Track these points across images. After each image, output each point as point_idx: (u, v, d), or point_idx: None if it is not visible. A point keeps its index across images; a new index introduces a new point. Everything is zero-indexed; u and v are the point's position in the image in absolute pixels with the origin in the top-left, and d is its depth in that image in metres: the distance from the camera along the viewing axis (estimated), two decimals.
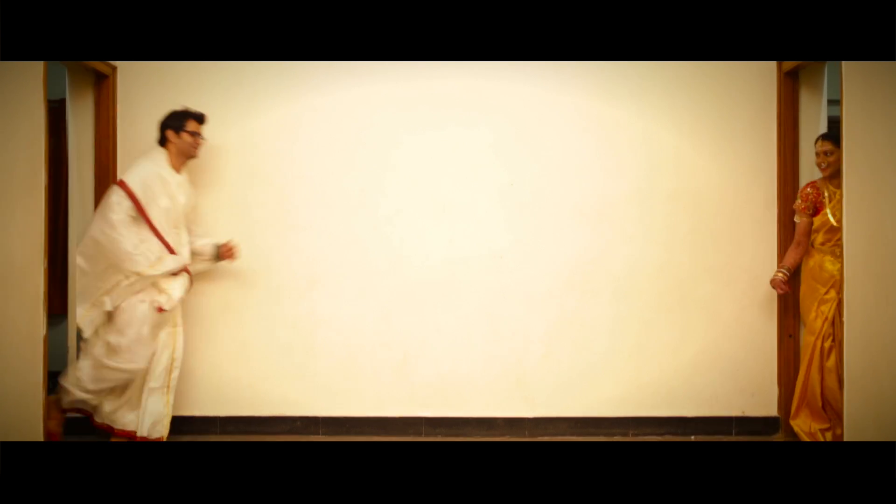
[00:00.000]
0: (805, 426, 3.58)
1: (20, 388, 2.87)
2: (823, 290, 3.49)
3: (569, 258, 3.85)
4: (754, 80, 3.84)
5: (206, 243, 3.69)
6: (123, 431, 3.48)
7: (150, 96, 3.84)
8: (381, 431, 3.83)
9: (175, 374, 3.53)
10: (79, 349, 3.57)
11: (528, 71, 3.83)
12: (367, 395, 3.85)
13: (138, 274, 3.36)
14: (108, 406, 3.51)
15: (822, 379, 3.48)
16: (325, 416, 3.84)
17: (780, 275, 3.63)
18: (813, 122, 3.79)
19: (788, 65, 3.73)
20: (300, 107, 3.85)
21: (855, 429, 2.82)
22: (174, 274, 3.48)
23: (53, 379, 4.07)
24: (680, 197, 3.85)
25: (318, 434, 3.82)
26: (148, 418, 3.45)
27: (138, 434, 3.45)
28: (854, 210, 2.83)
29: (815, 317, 3.52)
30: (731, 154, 3.85)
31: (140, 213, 3.37)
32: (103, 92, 3.79)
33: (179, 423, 3.80)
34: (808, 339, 3.54)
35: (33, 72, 2.92)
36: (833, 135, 3.47)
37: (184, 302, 3.65)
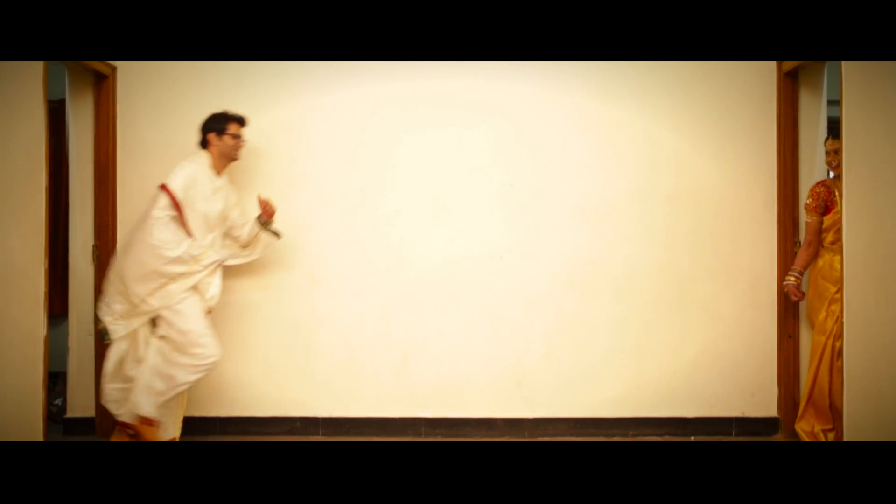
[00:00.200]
0: (807, 426, 3.57)
1: (20, 388, 2.86)
2: (834, 289, 3.48)
3: (569, 258, 3.85)
4: (754, 80, 3.84)
5: (247, 222, 3.66)
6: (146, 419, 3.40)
7: (149, 96, 3.84)
8: (380, 432, 3.83)
9: None
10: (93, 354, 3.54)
11: (528, 71, 3.84)
12: (367, 396, 3.85)
13: (182, 265, 3.34)
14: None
15: (831, 380, 3.47)
16: (325, 417, 3.84)
17: (793, 279, 3.60)
18: (813, 123, 3.80)
19: (788, 65, 3.73)
20: (300, 107, 3.85)
21: (855, 429, 2.82)
22: (211, 272, 3.47)
23: (53, 379, 4.09)
24: (680, 197, 3.85)
25: (318, 434, 3.82)
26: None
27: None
28: (854, 210, 2.83)
29: (825, 317, 3.50)
30: (730, 154, 3.85)
31: (179, 215, 3.35)
32: (103, 92, 3.79)
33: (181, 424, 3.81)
34: (819, 339, 3.52)
35: (33, 72, 2.92)
36: None
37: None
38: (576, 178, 3.86)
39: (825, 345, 3.48)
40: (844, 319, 2.89)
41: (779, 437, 3.83)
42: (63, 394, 4.02)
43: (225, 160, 3.56)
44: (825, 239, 3.55)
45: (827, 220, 3.53)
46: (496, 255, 3.86)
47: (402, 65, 3.84)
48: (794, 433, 3.66)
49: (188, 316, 3.34)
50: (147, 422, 3.35)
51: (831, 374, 3.46)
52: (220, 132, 3.51)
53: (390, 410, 3.85)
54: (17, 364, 2.84)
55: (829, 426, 3.51)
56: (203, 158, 3.51)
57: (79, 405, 3.83)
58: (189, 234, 3.38)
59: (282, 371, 3.84)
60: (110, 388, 3.42)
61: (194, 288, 3.39)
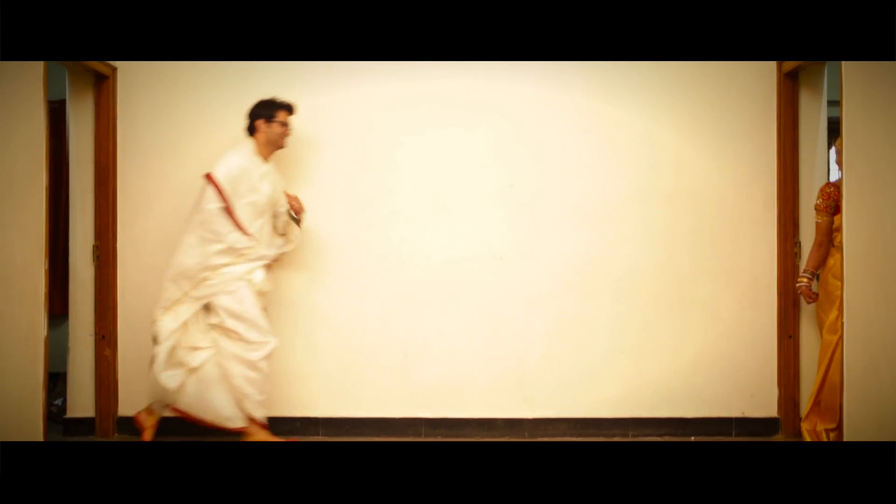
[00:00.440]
0: (810, 425, 3.57)
1: (21, 388, 2.87)
2: None
3: (569, 258, 3.85)
4: (754, 80, 3.84)
5: (281, 212, 3.68)
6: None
7: (149, 97, 3.84)
8: (380, 432, 3.83)
9: None
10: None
11: (528, 71, 3.84)
12: (367, 396, 3.85)
13: (228, 258, 3.37)
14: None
15: (843, 378, 3.45)
16: (325, 417, 3.84)
17: (805, 280, 3.59)
18: (813, 123, 3.80)
19: (788, 65, 3.73)
20: (300, 107, 3.83)
21: (855, 429, 2.82)
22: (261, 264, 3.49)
23: (53, 379, 4.09)
24: (680, 197, 3.85)
25: (318, 434, 3.82)
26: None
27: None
28: (854, 210, 2.83)
29: (837, 315, 3.49)
30: (730, 154, 3.85)
31: (226, 206, 3.36)
32: (103, 93, 3.79)
33: (179, 424, 3.80)
34: (829, 338, 3.50)
35: (33, 72, 2.92)
36: None
37: None
38: (576, 178, 3.85)
39: (837, 344, 3.47)
40: (844, 319, 2.89)
41: (779, 438, 3.82)
42: (63, 394, 4.02)
43: (271, 147, 3.56)
44: (835, 238, 3.54)
45: (837, 220, 3.52)
46: (496, 255, 3.86)
47: (402, 65, 3.84)
48: (798, 432, 3.65)
49: (241, 301, 3.38)
50: (257, 423, 3.43)
51: (843, 372, 3.45)
52: (269, 119, 3.51)
53: (390, 410, 3.85)
54: (17, 364, 2.84)
55: (833, 425, 3.50)
56: (248, 146, 3.51)
57: (79, 405, 3.83)
58: (237, 224, 3.39)
59: (282, 371, 3.83)
60: (167, 375, 3.38)
61: (243, 277, 3.41)
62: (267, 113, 3.51)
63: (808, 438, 3.56)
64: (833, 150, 3.72)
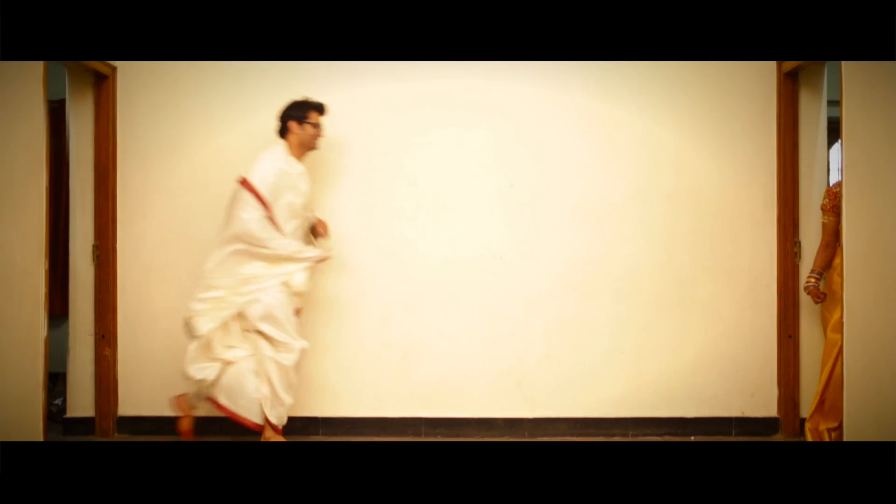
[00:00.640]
0: (813, 424, 3.57)
1: (21, 388, 2.87)
2: None
3: (568, 258, 3.85)
4: (754, 80, 3.84)
5: (308, 217, 3.66)
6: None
7: (149, 97, 3.84)
8: (380, 432, 3.83)
9: None
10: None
11: (528, 71, 3.84)
12: (367, 396, 3.85)
13: (283, 258, 3.35)
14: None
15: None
16: (324, 417, 3.84)
17: (813, 280, 3.59)
18: (812, 124, 3.80)
19: (788, 65, 3.73)
20: None
21: (855, 429, 2.82)
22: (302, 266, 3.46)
23: (53, 379, 4.09)
24: (680, 197, 3.85)
25: (318, 434, 3.82)
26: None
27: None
28: (854, 210, 2.83)
29: (841, 315, 3.48)
30: (730, 154, 3.85)
31: (266, 210, 3.32)
32: (103, 93, 3.79)
33: (177, 425, 3.81)
34: (833, 337, 3.48)
35: (33, 72, 2.92)
36: None
37: (186, 302, 3.64)
38: (576, 178, 3.86)
39: (842, 342, 3.46)
40: (844, 319, 2.89)
41: (779, 438, 3.82)
42: (63, 394, 4.02)
43: (304, 149, 3.51)
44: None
45: None
46: (496, 255, 3.86)
47: (402, 65, 3.84)
48: (798, 432, 3.65)
49: (273, 303, 3.34)
50: (276, 429, 3.41)
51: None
52: (301, 120, 3.46)
53: (390, 410, 3.85)
54: (17, 364, 2.84)
55: (834, 424, 3.50)
56: (281, 148, 3.46)
57: (78, 405, 3.83)
58: (276, 227, 3.36)
59: None
60: (197, 367, 3.36)
61: (282, 278, 3.39)
62: (299, 114, 3.46)
63: (809, 438, 3.56)
64: (832, 151, 3.71)
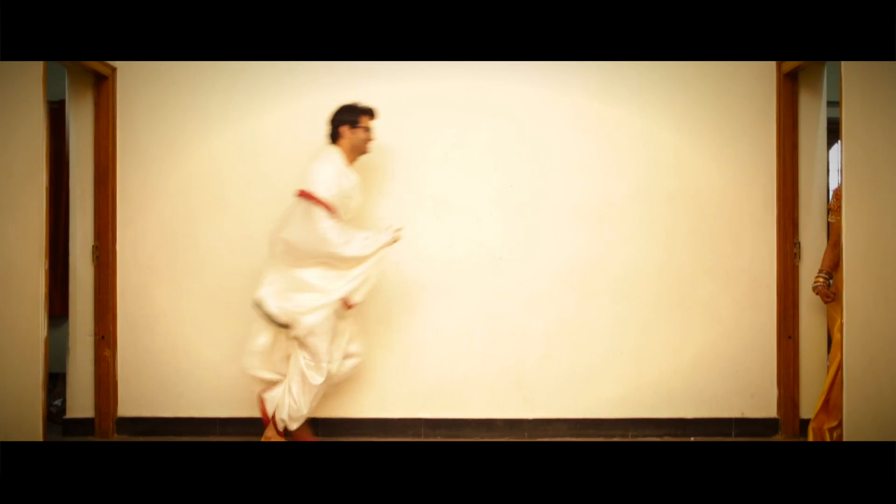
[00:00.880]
0: (817, 424, 3.56)
1: (21, 388, 2.87)
2: None
3: (568, 259, 3.85)
4: (754, 80, 3.84)
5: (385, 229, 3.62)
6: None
7: (149, 98, 3.84)
8: (380, 432, 3.83)
9: None
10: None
11: (528, 71, 3.84)
12: (367, 396, 3.85)
13: (356, 262, 3.34)
14: None
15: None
16: (324, 417, 3.83)
17: (822, 279, 3.58)
18: (812, 124, 3.80)
19: (788, 66, 3.73)
20: (300, 107, 3.85)
21: (855, 429, 2.82)
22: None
23: (53, 380, 4.09)
24: (679, 197, 3.85)
25: (319, 435, 3.82)
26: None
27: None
28: (854, 210, 2.83)
29: None
30: (730, 155, 3.85)
31: (336, 218, 3.31)
32: (103, 94, 3.79)
33: (179, 425, 3.81)
34: (840, 337, 3.49)
35: (33, 72, 2.92)
36: None
37: (186, 303, 3.66)
38: (575, 178, 3.86)
39: None
40: (844, 319, 2.89)
41: (778, 438, 3.82)
42: (63, 395, 4.01)
43: (356, 154, 3.48)
44: None
45: None
46: (496, 255, 3.86)
47: (402, 65, 3.84)
48: (797, 433, 3.64)
49: (321, 322, 3.32)
50: (280, 432, 3.43)
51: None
52: (353, 125, 3.43)
53: (390, 411, 3.85)
54: (17, 365, 2.84)
55: (835, 423, 3.50)
56: (336, 154, 3.41)
57: (78, 406, 3.83)
58: (349, 235, 3.35)
59: None
60: (263, 374, 3.41)
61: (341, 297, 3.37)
62: (351, 118, 3.43)
63: (812, 437, 3.55)
64: (832, 152, 3.71)
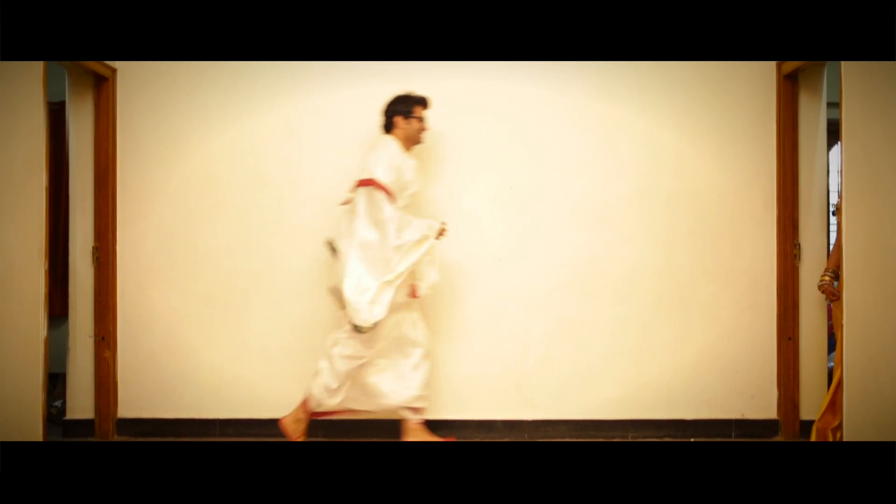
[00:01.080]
0: (823, 424, 3.55)
1: (20, 389, 2.86)
2: None
3: (568, 259, 3.85)
4: (754, 81, 3.84)
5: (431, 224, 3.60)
6: None
7: (149, 98, 3.84)
8: (380, 433, 3.82)
9: None
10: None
11: (527, 71, 3.84)
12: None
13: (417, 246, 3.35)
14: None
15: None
16: (324, 418, 3.82)
17: (827, 278, 3.56)
18: (812, 125, 3.80)
19: (788, 67, 3.73)
20: (300, 107, 3.85)
21: (855, 429, 2.82)
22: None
23: (53, 380, 4.09)
24: (679, 198, 3.85)
25: (318, 436, 3.81)
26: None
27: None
28: (854, 210, 2.83)
29: None
30: (730, 155, 3.85)
31: (396, 204, 3.31)
32: (103, 94, 3.79)
33: (178, 426, 3.81)
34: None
35: (33, 72, 2.92)
36: None
37: (186, 304, 3.66)
38: (575, 178, 3.85)
39: None
40: (844, 320, 2.89)
41: (778, 439, 3.82)
42: (63, 396, 4.01)
43: (410, 143, 3.50)
44: None
45: None
46: (496, 256, 3.86)
47: (402, 65, 3.83)
48: (797, 433, 3.64)
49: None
50: (308, 409, 3.47)
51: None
52: (407, 115, 3.45)
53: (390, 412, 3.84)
54: (17, 365, 2.84)
55: (837, 422, 3.50)
56: (393, 143, 3.43)
57: (78, 407, 3.82)
58: (410, 219, 3.37)
59: (282, 373, 3.83)
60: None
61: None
62: (404, 109, 3.45)
63: (815, 438, 3.54)
64: (832, 153, 3.70)
